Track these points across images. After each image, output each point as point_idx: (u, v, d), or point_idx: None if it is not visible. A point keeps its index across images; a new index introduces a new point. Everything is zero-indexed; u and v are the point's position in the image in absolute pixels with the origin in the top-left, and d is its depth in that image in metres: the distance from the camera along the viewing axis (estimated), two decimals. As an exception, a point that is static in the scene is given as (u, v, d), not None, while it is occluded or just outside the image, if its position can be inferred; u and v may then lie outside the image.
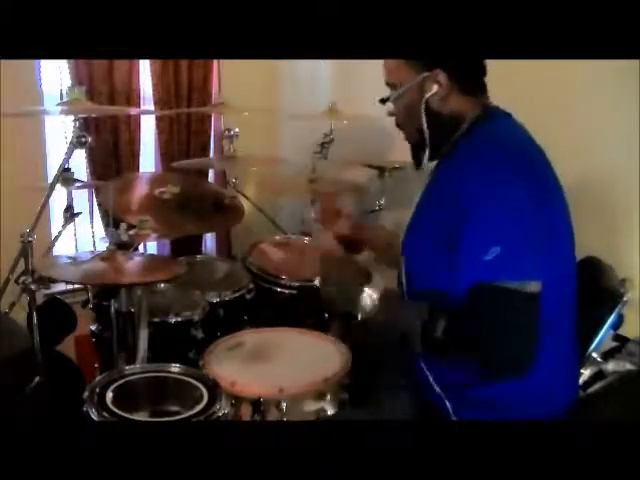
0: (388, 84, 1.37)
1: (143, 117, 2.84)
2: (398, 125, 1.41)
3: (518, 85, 1.92)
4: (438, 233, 1.26)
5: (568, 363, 1.39)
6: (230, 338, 1.85)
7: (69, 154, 1.83)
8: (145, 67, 2.78)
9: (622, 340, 1.63)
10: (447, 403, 1.33)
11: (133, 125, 2.77)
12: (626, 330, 1.57)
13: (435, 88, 1.28)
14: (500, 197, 1.18)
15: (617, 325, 1.48)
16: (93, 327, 2.04)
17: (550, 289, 1.21)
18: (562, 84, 2.00)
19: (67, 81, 2.53)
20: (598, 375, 1.51)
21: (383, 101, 1.37)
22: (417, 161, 1.40)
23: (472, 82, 1.33)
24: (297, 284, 2.15)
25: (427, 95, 1.29)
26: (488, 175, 1.20)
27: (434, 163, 1.41)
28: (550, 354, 1.30)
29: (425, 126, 1.32)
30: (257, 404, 1.56)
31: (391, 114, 1.40)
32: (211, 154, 3.08)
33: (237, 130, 2.41)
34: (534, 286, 1.16)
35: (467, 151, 1.29)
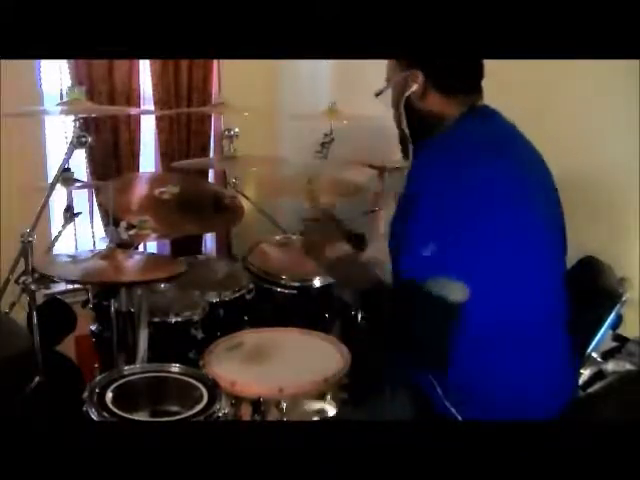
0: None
1: (143, 117, 2.83)
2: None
3: (518, 85, 1.92)
4: (398, 231, 1.29)
5: (566, 364, 1.39)
6: (230, 338, 1.85)
7: (69, 154, 1.83)
8: (145, 67, 2.78)
9: (622, 340, 1.63)
10: (446, 403, 1.33)
11: (133, 125, 2.77)
12: (626, 330, 1.57)
13: (414, 87, 1.32)
14: (440, 198, 1.19)
15: (616, 325, 1.48)
16: (93, 327, 2.04)
17: (518, 293, 1.23)
18: (562, 84, 2.00)
19: (67, 81, 2.53)
20: (598, 375, 1.52)
21: (377, 94, 1.42)
22: (404, 153, 1.45)
23: (453, 83, 1.34)
24: (297, 284, 2.15)
25: (407, 93, 1.33)
26: (433, 175, 1.23)
27: None
28: (547, 355, 1.30)
29: (404, 122, 1.38)
30: (257, 404, 1.56)
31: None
32: (211, 154, 3.08)
33: (237, 130, 2.41)
34: (457, 290, 1.16)
35: (427, 151, 1.32)
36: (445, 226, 1.18)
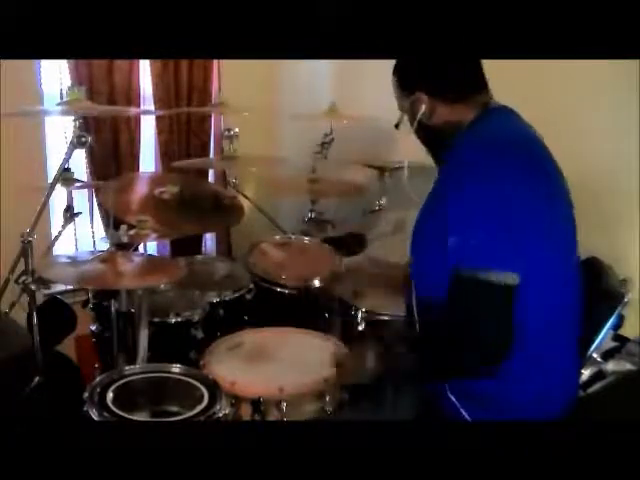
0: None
1: (143, 117, 2.84)
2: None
3: (518, 86, 1.92)
4: (434, 235, 1.29)
5: (569, 364, 1.39)
6: (230, 338, 1.85)
7: (69, 154, 1.83)
8: (145, 67, 2.78)
9: (622, 340, 1.63)
10: (446, 402, 1.33)
11: (133, 125, 2.77)
12: (626, 330, 1.57)
13: (423, 108, 1.38)
14: (477, 192, 1.22)
15: (617, 325, 1.48)
16: (93, 327, 2.05)
17: (541, 286, 1.22)
18: (562, 84, 2.00)
19: (67, 81, 2.53)
20: (598, 375, 1.51)
21: (397, 126, 1.47)
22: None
23: (456, 90, 1.37)
24: (297, 284, 2.15)
25: (418, 116, 1.39)
26: (466, 172, 1.26)
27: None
28: (552, 354, 1.30)
29: (422, 141, 1.45)
30: (257, 404, 1.56)
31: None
32: (211, 154, 3.08)
33: (237, 130, 2.41)
34: (507, 278, 1.18)
35: (455, 153, 1.34)
36: (491, 220, 1.21)
